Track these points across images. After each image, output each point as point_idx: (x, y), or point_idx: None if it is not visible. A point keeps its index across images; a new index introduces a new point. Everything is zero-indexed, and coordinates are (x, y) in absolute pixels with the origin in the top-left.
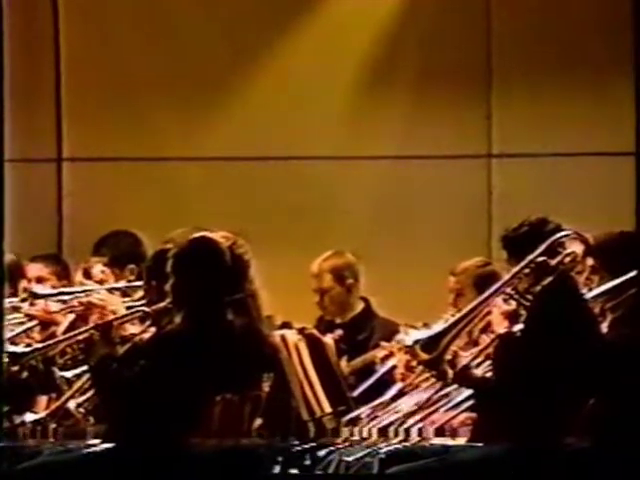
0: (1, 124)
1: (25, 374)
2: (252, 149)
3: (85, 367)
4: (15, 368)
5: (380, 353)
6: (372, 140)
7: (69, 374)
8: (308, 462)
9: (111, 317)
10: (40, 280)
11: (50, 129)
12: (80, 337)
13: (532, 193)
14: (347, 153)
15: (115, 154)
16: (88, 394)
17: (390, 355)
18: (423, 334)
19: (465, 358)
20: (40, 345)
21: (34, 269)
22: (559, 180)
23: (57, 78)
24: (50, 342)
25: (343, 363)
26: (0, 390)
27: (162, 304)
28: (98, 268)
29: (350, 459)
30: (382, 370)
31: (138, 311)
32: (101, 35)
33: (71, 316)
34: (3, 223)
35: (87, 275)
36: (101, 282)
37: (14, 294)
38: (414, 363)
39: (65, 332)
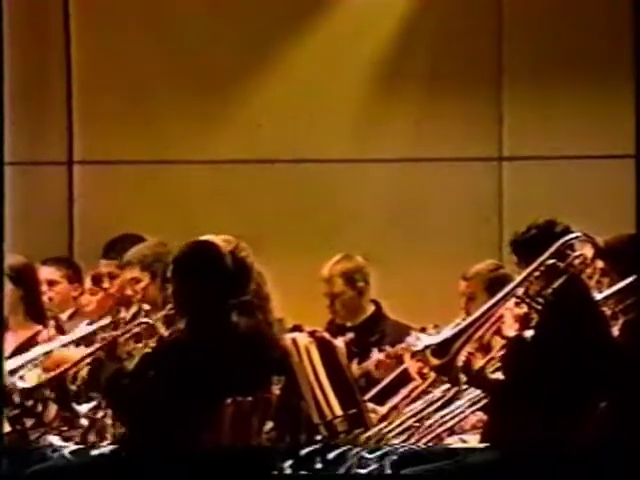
0: (1, 127)
1: (40, 407)
2: (262, 152)
3: (99, 397)
4: (29, 403)
5: (373, 359)
6: (382, 143)
7: (84, 408)
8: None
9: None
10: (52, 283)
11: (61, 132)
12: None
13: (544, 196)
14: (357, 156)
15: (125, 157)
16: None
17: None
18: (434, 339)
19: (479, 360)
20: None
21: (45, 272)
22: (570, 183)
23: (68, 81)
24: (58, 371)
25: (354, 366)
26: (0, 391)
27: (163, 312)
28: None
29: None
30: (394, 373)
31: (141, 323)
32: (112, 38)
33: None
34: (3, 225)
35: (96, 282)
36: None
37: (27, 297)
38: (426, 370)
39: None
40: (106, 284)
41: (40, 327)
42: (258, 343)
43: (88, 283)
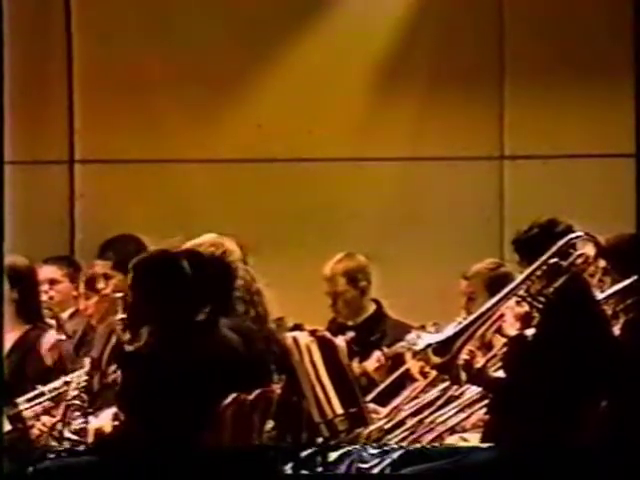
0: (1, 127)
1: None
2: (261, 151)
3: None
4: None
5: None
6: (384, 142)
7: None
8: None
9: None
10: (53, 282)
11: (62, 131)
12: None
13: (545, 194)
14: (358, 155)
15: (126, 156)
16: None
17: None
18: (435, 338)
19: (480, 359)
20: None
21: (47, 271)
22: (571, 181)
23: (69, 80)
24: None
25: (354, 365)
26: (0, 391)
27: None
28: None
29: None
30: (396, 373)
31: None
32: (113, 38)
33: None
34: (3, 224)
35: (90, 286)
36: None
37: (20, 299)
38: (427, 369)
39: None
40: (101, 284)
41: (29, 326)
42: (249, 337)
43: (82, 288)
